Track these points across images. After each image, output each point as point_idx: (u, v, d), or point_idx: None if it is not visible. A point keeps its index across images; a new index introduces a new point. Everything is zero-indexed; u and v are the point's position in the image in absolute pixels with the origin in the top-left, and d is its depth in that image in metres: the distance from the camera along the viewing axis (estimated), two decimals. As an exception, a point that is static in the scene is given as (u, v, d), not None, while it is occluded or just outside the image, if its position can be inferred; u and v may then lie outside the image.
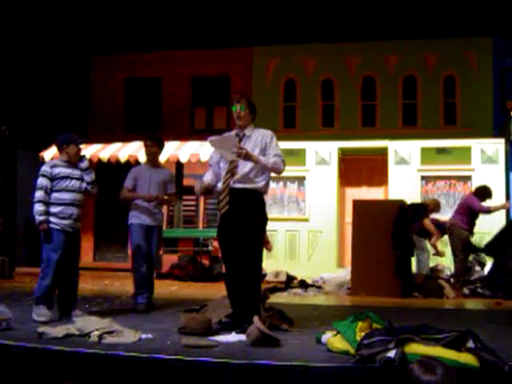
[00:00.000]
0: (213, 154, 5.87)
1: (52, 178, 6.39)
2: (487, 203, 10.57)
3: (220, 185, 5.57)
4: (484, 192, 10.72)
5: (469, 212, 10.50)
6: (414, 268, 10.84)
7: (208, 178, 5.78)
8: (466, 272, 10.70)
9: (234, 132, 5.76)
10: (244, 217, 5.44)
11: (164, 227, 9.47)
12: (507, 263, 10.31)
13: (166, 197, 7.48)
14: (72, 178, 6.50)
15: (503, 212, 13.02)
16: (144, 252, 7.18)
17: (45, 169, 6.46)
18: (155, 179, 7.33)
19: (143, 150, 15.09)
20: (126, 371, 4.24)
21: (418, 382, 2.65)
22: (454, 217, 10.67)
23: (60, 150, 6.73)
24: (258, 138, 5.60)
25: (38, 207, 6.28)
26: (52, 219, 6.26)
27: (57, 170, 6.46)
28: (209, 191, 5.81)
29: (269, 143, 5.58)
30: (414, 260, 10.77)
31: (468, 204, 10.55)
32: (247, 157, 5.40)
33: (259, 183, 5.55)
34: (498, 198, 12.77)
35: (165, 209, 12.04)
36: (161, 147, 7.58)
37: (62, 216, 6.30)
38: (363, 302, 8.88)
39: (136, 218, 7.26)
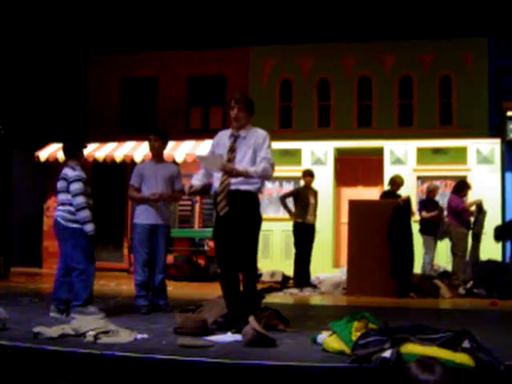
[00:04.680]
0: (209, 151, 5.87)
1: (84, 183, 6.56)
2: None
3: (217, 186, 5.56)
4: (460, 186, 11.34)
5: (454, 211, 11.07)
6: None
7: (196, 181, 5.78)
8: (463, 271, 10.79)
9: (229, 130, 5.76)
10: (241, 218, 5.45)
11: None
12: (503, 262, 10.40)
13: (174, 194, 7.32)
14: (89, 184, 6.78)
15: (498, 211, 13.08)
16: (144, 257, 7.04)
17: (79, 174, 6.57)
18: (161, 175, 7.15)
19: (139, 149, 15.15)
20: (122, 371, 4.24)
21: (416, 381, 2.64)
22: (448, 217, 11.23)
23: (73, 155, 6.76)
24: (251, 140, 5.60)
25: (87, 213, 6.47)
26: None
27: (83, 175, 6.62)
28: (196, 193, 5.81)
29: (261, 145, 5.58)
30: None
31: (448, 204, 11.29)
32: (237, 174, 5.43)
33: (255, 184, 5.56)
34: (493, 197, 12.80)
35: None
36: (164, 142, 7.38)
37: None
38: (359, 302, 8.88)
39: (140, 217, 7.12)
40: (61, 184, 6.57)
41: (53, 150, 14.78)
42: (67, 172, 6.57)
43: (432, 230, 11.34)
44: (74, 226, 6.47)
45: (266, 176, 5.60)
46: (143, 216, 7.11)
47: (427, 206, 11.48)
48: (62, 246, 6.61)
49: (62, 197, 6.56)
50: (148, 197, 7.05)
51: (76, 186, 6.46)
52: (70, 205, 6.48)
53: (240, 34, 15.22)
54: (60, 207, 6.59)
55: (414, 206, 11.78)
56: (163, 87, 16.25)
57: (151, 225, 7.08)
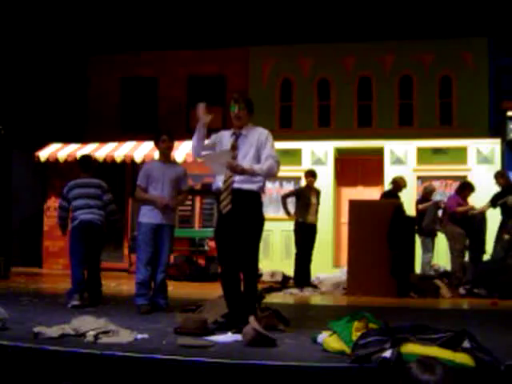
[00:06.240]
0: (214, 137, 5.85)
1: None
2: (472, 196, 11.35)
3: (221, 184, 5.56)
4: (462, 187, 11.32)
5: (448, 210, 11.13)
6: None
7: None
8: (463, 270, 10.78)
9: (230, 130, 5.76)
10: (243, 217, 5.44)
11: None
12: (504, 262, 10.39)
13: (179, 197, 7.33)
14: None
15: (498, 211, 13.04)
16: (147, 256, 7.04)
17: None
18: (168, 176, 7.15)
19: (139, 149, 15.12)
20: (122, 371, 4.23)
21: (417, 381, 2.64)
22: (445, 216, 11.30)
23: (89, 170, 8.16)
24: (254, 138, 5.60)
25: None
26: None
27: None
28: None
29: (264, 143, 5.57)
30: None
31: (446, 203, 11.36)
32: (242, 172, 5.42)
33: (258, 183, 5.55)
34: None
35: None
36: (173, 142, 7.45)
37: None
38: (359, 301, 8.88)
39: (146, 216, 7.12)
40: (95, 191, 7.85)
41: (53, 150, 14.78)
42: (101, 183, 7.98)
43: (429, 231, 11.40)
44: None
45: (271, 173, 5.59)
46: (148, 215, 7.11)
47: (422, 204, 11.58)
48: (94, 244, 7.79)
49: (98, 203, 7.83)
50: (155, 199, 7.06)
51: (111, 196, 8.00)
52: (102, 210, 7.86)
53: (240, 34, 15.22)
54: (97, 211, 7.78)
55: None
56: (163, 87, 16.24)
57: (156, 224, 7.08)
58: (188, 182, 7.52)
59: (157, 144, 7.34)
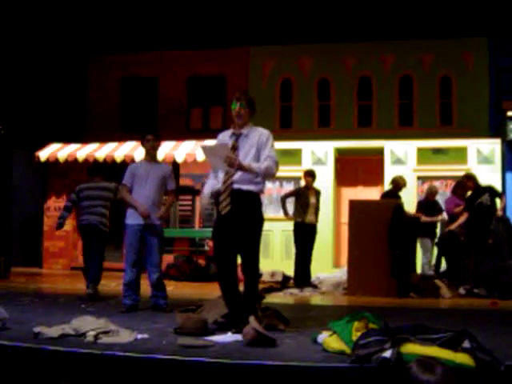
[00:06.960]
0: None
1: None
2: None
3: (220, 185, 5.54)
4: (456, 186, 11.37)
5: (448, 212, 11.23)
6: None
7: (208, 189, 5.74)
8: (463, 271, 10.75)
9: (230, 130, 5.74)
10: (243, 218, 5.42)
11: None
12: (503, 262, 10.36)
13: (167, 201, 7.37)
14: None
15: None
16: (133, 257, 7.04)
17: None
18: (153, 175, 7.16)
19: (139, 149, 15.12)
20: (122, 371, 4.23)
21: (417, 381, 2.64)
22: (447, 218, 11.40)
23: (98, 173, 8.93)
24: (254, 138, 5.57)
25: None
26: None
27: None
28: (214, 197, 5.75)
29: (265, 143, 5.55)
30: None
31: (445, 205, 11.46)
32: (240, 167, 5.40)
33: (258, 184, 5.54)
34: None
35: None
36: (160, 142, 7.50)
37: None
38: (359, 302, 8.88)
39: (132, 218, 7.11)
40: (103, 193, 8.47)
41: (53, 150, 14.79)
42: (109, 185, 8.58)
43: (428, 232, 11.38)
44: (106, 230, 8.50)
45: (269, 174, 5.57)
46: (133, 216, 7.12)
47: (425, 208, 11.47)
48: (93, 242, 8.44)
49: (104, 203, 8.48)
50: (136, 206, 7.06)
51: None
52: (109, 210, 8.56)
53: (240, 34, 15.22)
54: (100, 211, 8.44)
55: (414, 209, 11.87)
56: (163, 87, 16.25)
57: (141, 225, 7.07)
58: (174, 182, 7.50)
59: (142, 143, 7.40)
